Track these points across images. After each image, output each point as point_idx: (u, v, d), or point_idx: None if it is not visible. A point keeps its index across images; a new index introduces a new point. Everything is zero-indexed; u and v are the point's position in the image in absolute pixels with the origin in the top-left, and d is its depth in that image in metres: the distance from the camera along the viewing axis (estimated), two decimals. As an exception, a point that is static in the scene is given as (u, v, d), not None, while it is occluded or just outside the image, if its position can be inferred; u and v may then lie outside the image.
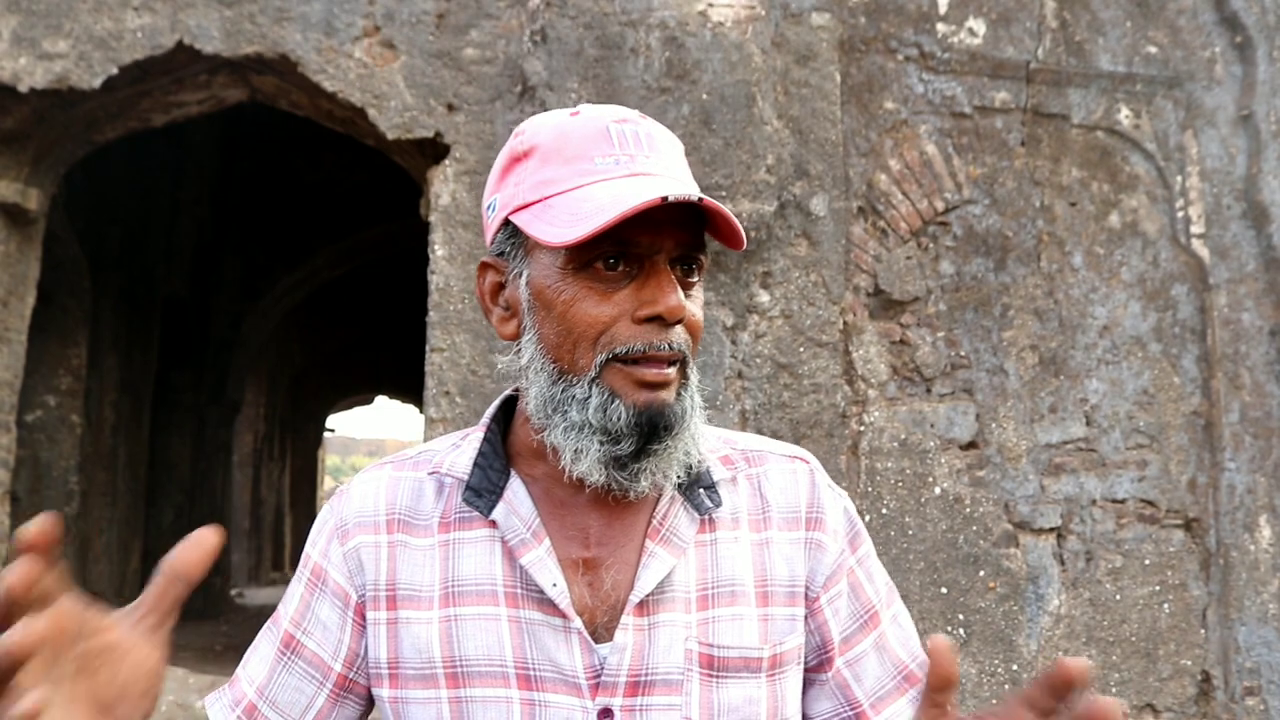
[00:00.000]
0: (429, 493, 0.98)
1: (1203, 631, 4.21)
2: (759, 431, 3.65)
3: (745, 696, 0.92)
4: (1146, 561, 4.21)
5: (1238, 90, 4.50)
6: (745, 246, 0.91)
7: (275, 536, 16.53)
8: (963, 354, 4.17)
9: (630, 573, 0.93)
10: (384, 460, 1.03)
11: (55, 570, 0.60)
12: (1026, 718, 0.69)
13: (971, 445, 4.13)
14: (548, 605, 0.91)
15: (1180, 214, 4.41)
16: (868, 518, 3.94)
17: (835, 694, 1.00)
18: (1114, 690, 4.10)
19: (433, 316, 3.83)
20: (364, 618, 0.96)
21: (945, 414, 4.12)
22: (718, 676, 0.92)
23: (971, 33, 4.31)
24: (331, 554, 0.98)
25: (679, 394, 0.89)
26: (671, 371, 0.88)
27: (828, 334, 3.87)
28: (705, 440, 0.96)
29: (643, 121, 0.93)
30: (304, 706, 0.97)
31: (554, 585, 0.90)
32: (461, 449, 0.99)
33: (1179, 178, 4.42)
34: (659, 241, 0.87)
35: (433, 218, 3.93)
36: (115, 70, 3.97)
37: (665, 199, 0.81)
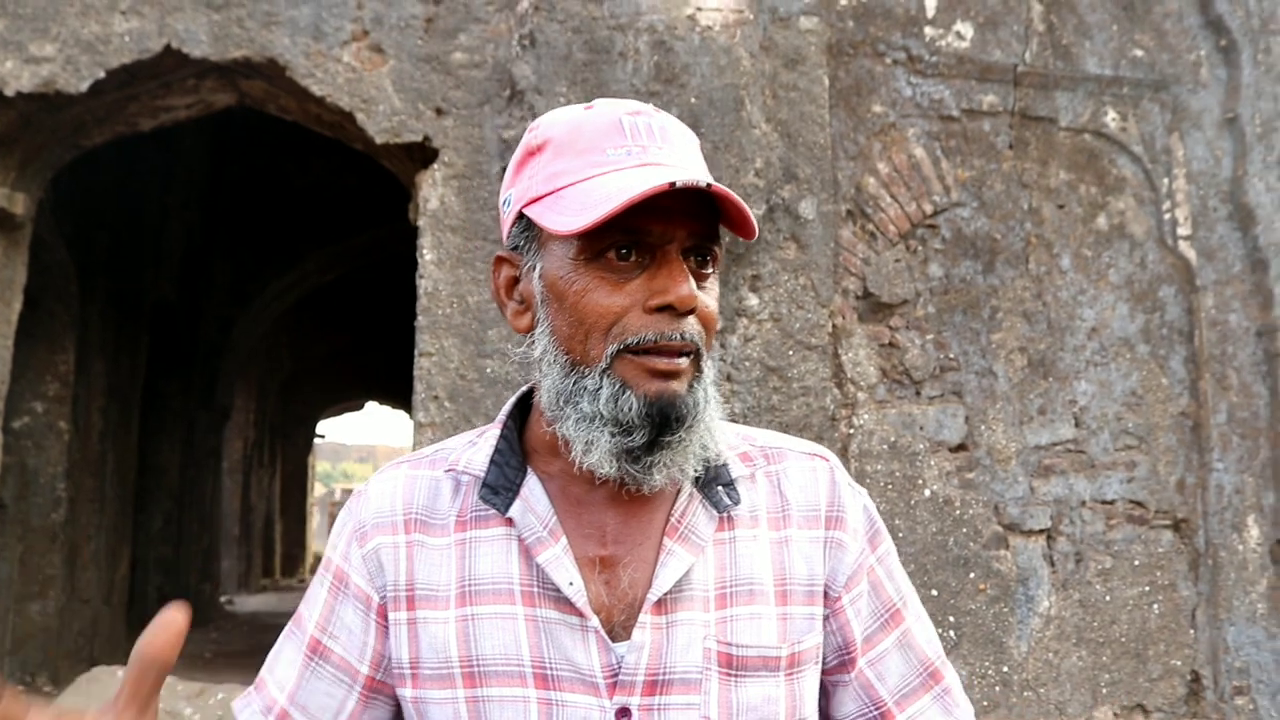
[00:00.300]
0: (445, 491, 0.98)
1: (1192, 631, 4.23)
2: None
3: (764, 695, 0.92)
4: (1136, 562, 4.22)
5: (1223, 93, 4.53)
6: (756, 235, 0.90)
7: (265, 543, 16.47)
8: (952, 356, 4.19)
9: (648, 571, 0.92)
10: (400, 459, 1.03)
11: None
12: None
13: (961, 447, 4.14)
14: (565, 604, 0.90)
15: (1167, 216, 4.43)
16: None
17: (859, 695, 1.00)
18: (1104, 691, 4.11)
19: (421, 321, 3.82)
20: (386, 619, 0.96)
21: (935, 416, 4.12)
22: (736, 676, 0.91)
23: (959, 36, 4.33)
24: (352, 557, 0.98)
25: (691, 385, 0.88)
26: (683, 362, 0.87)
27: (817, 337, 3.87)
28: (724, 437, 0.95)
29: (656, 114, 0.93)
30: (335, 710, 0.97)
31: (571, 584, 0.90)
32: (478, 446, 0.98)
33: (1166, 180, 4.44)
34: (671, 231, 0.87)
35: (421, 222, 3.92)
36: (102, 74, 3.95)
37: (673, 185, 0.81)
